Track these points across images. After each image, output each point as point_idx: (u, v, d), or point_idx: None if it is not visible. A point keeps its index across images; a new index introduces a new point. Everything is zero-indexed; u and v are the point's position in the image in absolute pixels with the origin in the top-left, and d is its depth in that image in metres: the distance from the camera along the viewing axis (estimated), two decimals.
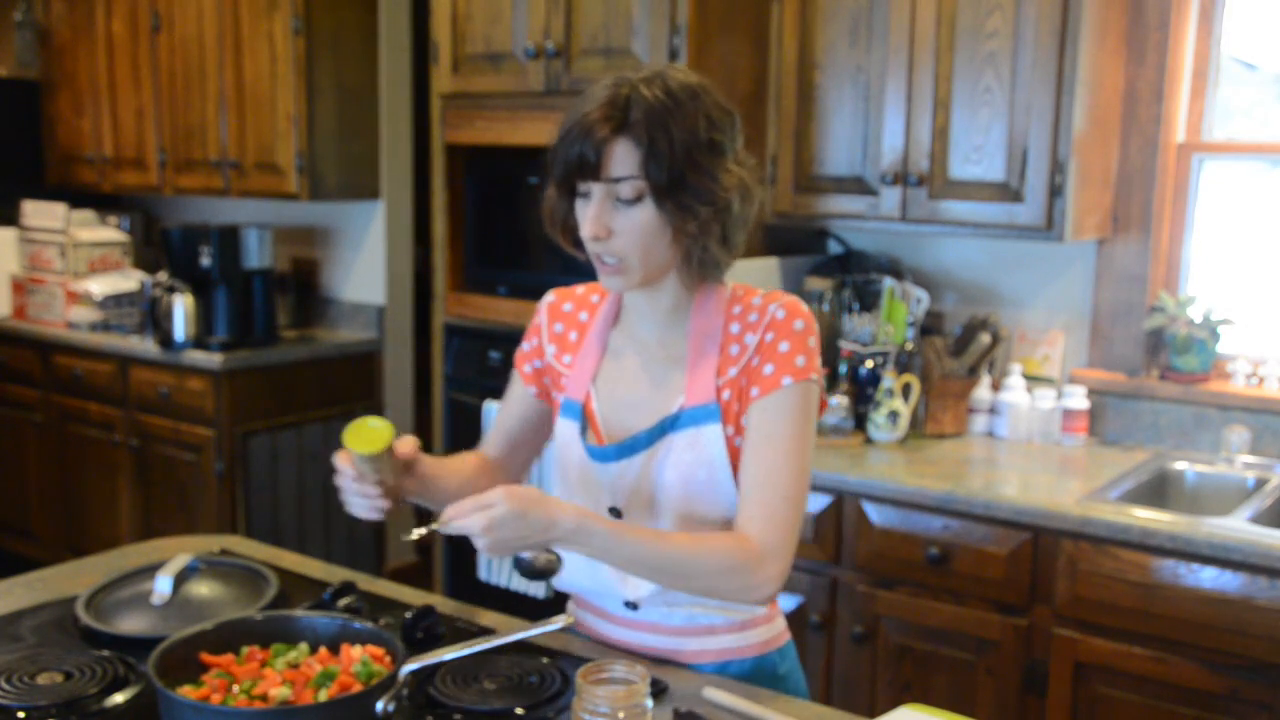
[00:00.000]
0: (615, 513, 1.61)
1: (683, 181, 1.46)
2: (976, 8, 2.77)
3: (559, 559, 1.50)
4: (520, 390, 1.76)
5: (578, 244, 1.58)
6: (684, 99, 1.47)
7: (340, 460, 1.52)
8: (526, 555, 1.48)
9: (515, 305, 3.34)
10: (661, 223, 1.49)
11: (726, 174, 1.50)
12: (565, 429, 1.65)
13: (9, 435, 4.78)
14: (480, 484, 1.66)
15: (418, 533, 1.48)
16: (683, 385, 1.58)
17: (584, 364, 1.66)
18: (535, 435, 1.78)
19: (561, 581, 1.68)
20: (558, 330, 1.71)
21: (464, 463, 1.72)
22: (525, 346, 1.76)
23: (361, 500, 1.52)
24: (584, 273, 1.60)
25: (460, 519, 1.40)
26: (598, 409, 1.62)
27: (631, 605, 1.63)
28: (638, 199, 1.47)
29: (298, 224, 4.68)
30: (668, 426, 1.56)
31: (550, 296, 1.76)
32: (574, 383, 1.66)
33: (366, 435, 1.49)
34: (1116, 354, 3.04)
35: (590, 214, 1.50)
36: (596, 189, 1.49)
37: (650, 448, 1.57)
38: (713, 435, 1.54)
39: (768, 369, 1.54)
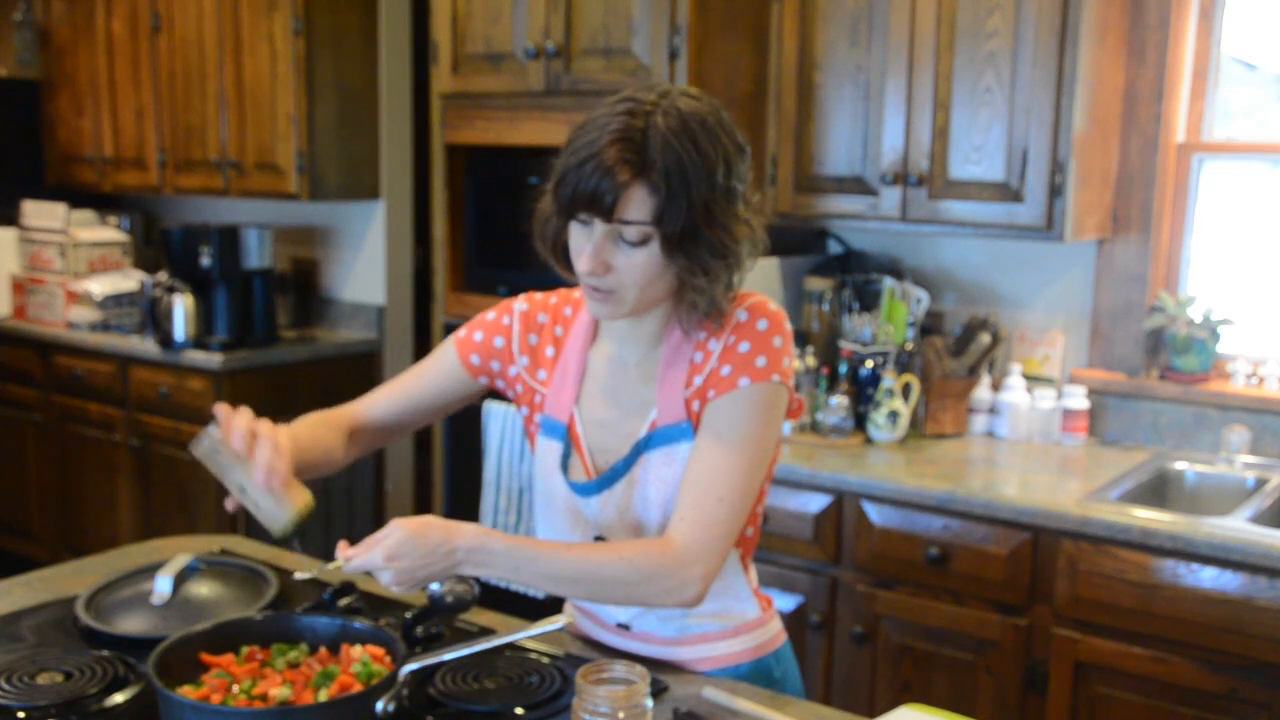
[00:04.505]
0: (602, 541, 1.58)
1: (695, 234, 1.41)
2: (976, 8, 2.77)
3: (473, 589, 1.46)
4: (451, 368, 1.69)
5: (567, 265, 1.52)
6: (703, 141, 1.40)
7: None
8: (438, 588, 1.44)
9: None
10: (664, 265, 1.43)
11: (738, 223, 1.45)
12: (548, 450, 1.62)
13: (9, 435, 4.78)
14: (352, 454, 1.68)
15: (316, 571, 1.47)
16: (655, 402, 1.55)
17: (564, 384, 1.62)
18: (438, 413, 1.74)
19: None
20: (531, 342, 1.66)
21: (328, 441, 1.65)
22: (478, 337, 1.68)
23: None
24: None
25: (360, 556, 1.39)
26: (582, 432, 1.60)
27: (624, 626, 1.64)
28: (643, 242, 1.42)
29: (298, 224, 4.68)
30: (642, 448, 1.54)
31: (522, 304, 1.69)
32: (556, 404, 1.62)
33: None
34: (1116, 354, 3.04)
35: (590, 249, 1.43)
36: (600, 224, 1.42)
37: (629, 473, 1.55)
38: (687, 451, 1.51)
39: (725, 370, 1.50)
